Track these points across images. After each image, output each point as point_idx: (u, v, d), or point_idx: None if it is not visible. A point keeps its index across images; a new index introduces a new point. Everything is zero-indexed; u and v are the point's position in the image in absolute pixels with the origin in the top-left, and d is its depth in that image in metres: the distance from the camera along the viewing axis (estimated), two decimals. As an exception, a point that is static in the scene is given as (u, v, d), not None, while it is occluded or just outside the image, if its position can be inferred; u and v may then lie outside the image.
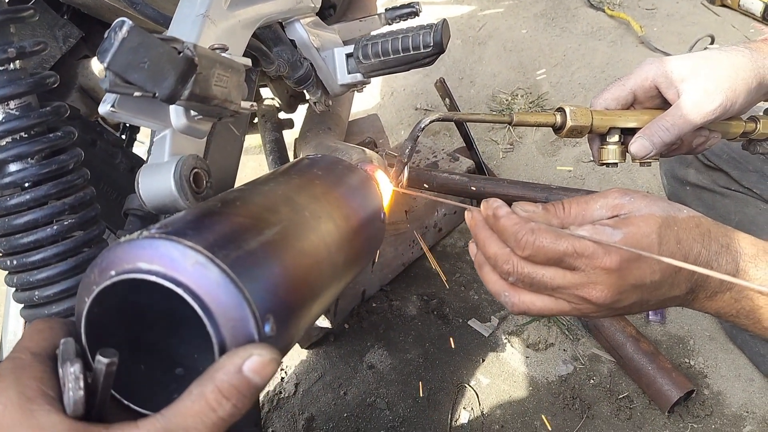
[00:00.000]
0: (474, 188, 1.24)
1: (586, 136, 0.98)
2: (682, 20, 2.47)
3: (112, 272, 0.49)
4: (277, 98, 1.54)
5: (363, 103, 2.39)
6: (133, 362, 0.54)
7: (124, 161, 0.99)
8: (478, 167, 1.81)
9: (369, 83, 1.30)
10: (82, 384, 0.46)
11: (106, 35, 0.56)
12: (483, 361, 1.56)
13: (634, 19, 2.43)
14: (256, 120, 1.65)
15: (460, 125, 1.82)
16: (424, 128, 0.94)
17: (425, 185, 1.33)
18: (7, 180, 0.61)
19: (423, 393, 1.50)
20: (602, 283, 0.65)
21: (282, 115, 1.65)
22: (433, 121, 0.95)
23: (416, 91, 2.35)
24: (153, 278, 0.48)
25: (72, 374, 0.46)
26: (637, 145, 0.93)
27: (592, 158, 1.86)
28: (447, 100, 1.81)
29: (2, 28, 0.61)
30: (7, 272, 0.65)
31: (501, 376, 1.52)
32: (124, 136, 1.39)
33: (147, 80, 0.58)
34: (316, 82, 1.24)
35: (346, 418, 1.49)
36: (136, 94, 0.59)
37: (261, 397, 1.56)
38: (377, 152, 1.39)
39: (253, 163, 2.27)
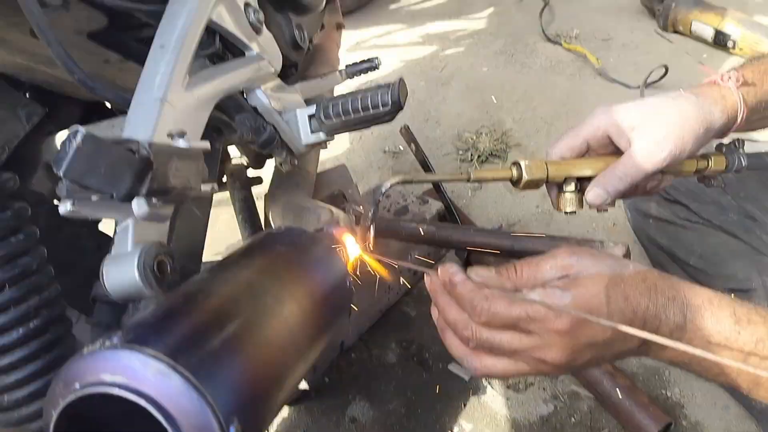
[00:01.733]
0: (441, 237, 1.26)
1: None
2: (637, 49, 2.55)
3: (77, 385, 0.49)
4: (244, 156, 1.56)
5: (332, 148, 2.42)
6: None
7: (90, 241, 0.99)
8: (447, 209, 1.83)
9: (333, 139, 1.32)
10: None
11: (60, 145, 0.58)
12: (464, 405, 1.56)
13: (591, 50, 2.50)
14: (225, 179, 1.66)
15: (427, 167, 1.85)
16: (384, 192, 0.96)
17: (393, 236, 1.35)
18: (-32, 288, 0.61)
19: (407, 442, 1.50)
20: (556, 344, 0.68)
21: (250, 172, 1.66)
22: (393, 185, 0.97)
23: (384, 134, 2.39)
24: (116, 391, 0.48)
25: None
26: (592, 194, 0.96)
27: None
28: (412, 145, 1.84)
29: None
30: (-28, 378, 0.65)
31: (483, 421, 1.53)
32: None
33: (104, 183, 0.59)
34: (280, 144, 1.26)
35: (331, 474, 1.48)
36: (94, 197, 0.60)
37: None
38: (344, 208, 1.41)
39: (225, 216, 2.26)
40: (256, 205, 1.64)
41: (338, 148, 2.40)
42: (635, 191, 1.03)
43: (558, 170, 0.98)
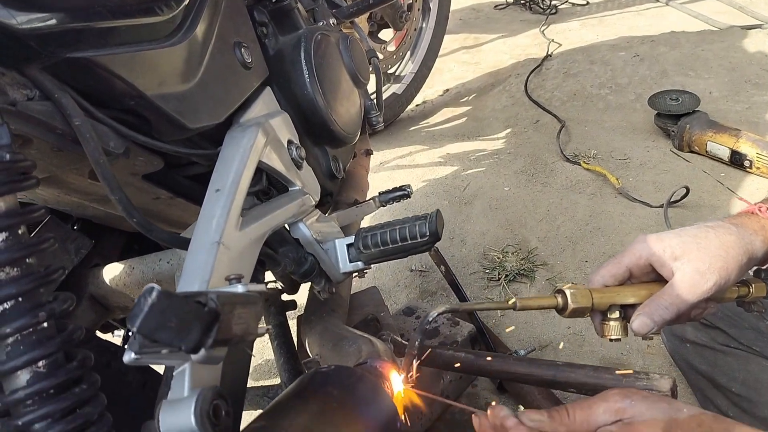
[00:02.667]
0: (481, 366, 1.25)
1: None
2: (655, 168, 2.62)
3: None
4: (279, 281, 1.58)
5: (360, 278, 2.45)
6: None
7: (136, 377, 1.00)
8: (479, 331, 1.83)
9: (370, 268, 1.35)
10: None
11: (136, 301, 0.60)
12: None
13: (609, 170, 2.57)
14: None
15: (457, 289, 1.86)
16: (431, 321, 0.98)
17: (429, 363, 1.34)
18: (32, 442, 0.61)
19: None
20: None
21: (284, 296, 1.68)
22: (441, 314, 0.98)
23: (410, 253, 2.42)
24: None
25: None
26: (638, 323, 0.96)
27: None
28: (442, 267, 1.86)
29: (34, 291, 0.65)
30: None
31: None
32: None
33: (174, 338, 0.61)
34: (320, 273, 1.28)
35: None
36: (164, 351, 0.61)
37: None
38: (381, 336, 1.41)
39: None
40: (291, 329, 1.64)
41: (365, 268, 2.42)
42: (679, 319, 1.03)
43: (602, 298, 0.99)
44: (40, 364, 0.64)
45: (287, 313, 1.63)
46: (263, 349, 2.18)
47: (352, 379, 0.83)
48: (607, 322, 1.02)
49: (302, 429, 0.67)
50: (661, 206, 2.30)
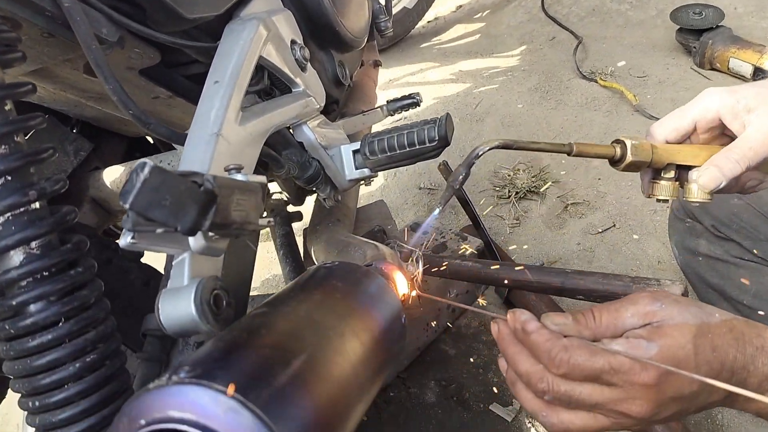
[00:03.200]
0: (486, 275, 1.24)
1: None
2: (674, 86, 2.53)
3: (142, 421, 0.48)
4: (285, 192, 1.56)
5: (367, 186, 2.42)
6: None
7: (139, 276, 0.99)
8: (486, 246, 1.81)
9: (376, 176, 1.32)
10: None
11: (128, 176, 0.57)
12: (508, 448, 1.51)
13: (627, 87, 2.48)
14: (265, 214, 1.66)
15: (465, 203, 1.83)
16: (481, 155, 0.91)
17: (436, 272, 1.33)
18: (29, 321, 0.60)
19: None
20: (641, 398, 0.64)
21: (290, 208, 1.66)
22: (493, 148, 0.91)
23: (419, 171, 2.38)
24: (184, 428, 0.46)
25: None
26: (707, 175, 0.89)
27: (598, 230, 1.86)
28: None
29: (22, 170, 0.62)
30: (29, 413, 0.64)
31: (528, 464, 1.47)
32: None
33: (168, 216, 0.58)
34: (324, 180, 1.26)
35: None
36: (159, 230, 0.59)
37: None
38: (388, 244, 1.39)
39: (260, 252, 2.27)
40: (297, 241, 1.63)
41: (373, 185, 2.39)
42: (734, 187, 0.95)
43: (662, 155, 0.91)
44: (33, 244, 0.62)
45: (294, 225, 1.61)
46: (270, 264, 2.19)
47: (356, 273, 0.81)
48: (658, 181, 0.94)
49: (304, 316, 0.65)
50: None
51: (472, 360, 1.74)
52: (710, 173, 0.88)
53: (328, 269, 0.81)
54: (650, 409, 0.65)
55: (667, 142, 0.93)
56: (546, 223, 2.06)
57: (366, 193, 2.39)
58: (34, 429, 0.64)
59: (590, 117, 2.41)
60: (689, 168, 0.92)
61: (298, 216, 1.65)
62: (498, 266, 1.24)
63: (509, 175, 2.23)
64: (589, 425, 0.67)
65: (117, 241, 1.29)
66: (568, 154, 0.88)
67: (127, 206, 0.57)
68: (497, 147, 0.89)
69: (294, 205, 1.60)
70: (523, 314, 0.70)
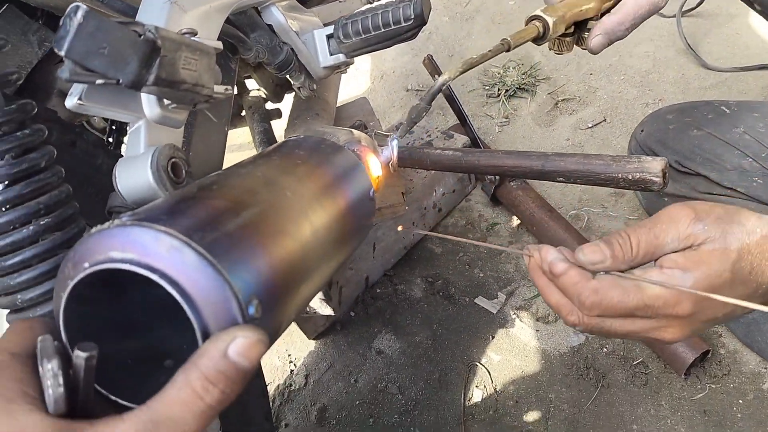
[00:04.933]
0: (467, 162, 1.21)
1: None
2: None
3: (86, 264, 0.47)
4: (262, 88, 1.52)
5: (352, 88, 2.36)
6: (119, 356, 0.52)
7: (106, 161, 0.97)
8: (473, 143, 1.78)
9: (352, 63, 1.27)
10: (61, 381, 0.44)
11: (61, 22, 0.54)
12: (492, 338, 1.54)
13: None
14: (243, 113, 1.63)
15: (452, 101, 1.79)
16: (445, 85, 0.92)
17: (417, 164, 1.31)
18: (-24, 183, 0.59)
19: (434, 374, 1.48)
20: (674, 326, 0.64)
21: (269, 106, 1.62)
22: (453, 78, 0.92)
23: (406, 72, 2.32)
24: (126, 266, 0.45)
25: (50, 371, 0.44)
26: (596, 42, 1.01)
27: (588, 125, 1.84)
28: (436, 76, 1.78)
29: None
30: (-15, 279, 0.63)
31: (512, 352, 1.50)
32: (111, 139, 1.37)
33: (108, 66, 0.56)
34: (298, 67, 1.21)
35: (359, 405, 1.48)
36: (99, 81, 0.57)
37: (271, 391, 1.54)
38: (366, 133, 1.36)
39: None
40: (277, 139, 1.60)
41: (359, 88, 2.34)
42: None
43: (570, 14, 0.98)
44: (-26, 105, 0.59)
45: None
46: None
47: (323, 145, 0.79)
48: (562, 39, 1.04)
49: (260, 176, 0.63)
50: (674, 16, 2.15)
51: (458, 257, 1.75)
52: (599, 40, 1.00)
53: (295, 141, 0.79)
54: (683, 334, 0.64)
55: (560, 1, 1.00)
56: (536, 120, 2.03)
57: (352, 96, 2.34)
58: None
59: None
60: (584, 23, 1.02)
61: (277, 113, 1.61)
62: (479, 154, 1.21)
63: (499, 73, 2.17)
64: (618, 336, 0.68)
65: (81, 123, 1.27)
66: (507, 51, 0.92)
67: (62, 53, 0.54)
68: (458, 75, 0.91)
69: (273, 102, 1.56)
70: (549, 253, 0.66)
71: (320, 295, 1.48)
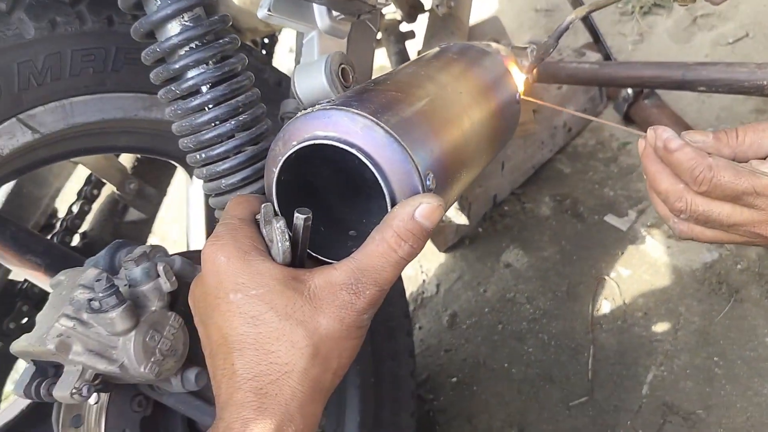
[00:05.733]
0: (605, 75, 1.22)
1: None
2: None
3: (294, 142, 0.57)
4: (398, 10, 1.58)
5: (481, 10, 2.36)
6: (316, 225, 0.62)
7: (271, 76, 1.08)
8: (606, 60, 1.75)
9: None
10: (287, 236, 0.54)
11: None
12: (622, 254, 1.56)
13: None
14: (379, 36, 1.70)
15: (585, 18, 1.76)
16: (568, 27, 0.94)
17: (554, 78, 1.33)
18: (189, 83, 0.70)
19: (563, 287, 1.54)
20: None
21: (403, 27, 1.68)
22: (578, 18, 0.94)
23: (534, -8, 2.29)
24: (329, 142, 0.55)
25: (279, 228, 0.54)
26: None
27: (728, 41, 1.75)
28: (569, -6, 1.75)
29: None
30: (196, 166, 0.75)
31: (642, 267, 1.52)
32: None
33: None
34: (437, -17, 1.26)
35: (488, 313, 1.57)
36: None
37: (407, 296, 1.67)
38: (502, 43, 1.39)
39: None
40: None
41: (488, 8, 2.33)
42: None
43: None
44: (185, 17, 0.70)
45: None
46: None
47: (472, 50, 0.85)
48: None
49: (424, 75, 0.70)
50: None
51: (588, 176, 1.77)
52: None
53: (446, 46, 0.85)
54: None
55: None
56: (672, 37, 1.95)
57: (481, 19, 2.33)
58: (202, 182, 0.77)
59: None
60: None
61: (411, 34, 1.67)
62: (616, 65, 1.22)
63: (634, -13, 2.08)
64: (718, 239, 0.68)
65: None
66: None
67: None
68: (588, 14, 0.96)
69: (407, 22, 1.62)
70: (665, 131, 0.66)
71: (456, 204, 1.56)
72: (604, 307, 1.49)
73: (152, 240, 2.24)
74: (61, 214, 1.17)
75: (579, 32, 2.07)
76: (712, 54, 1.85)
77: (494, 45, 1.19)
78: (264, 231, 0.57)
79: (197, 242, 1.06)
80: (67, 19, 0.79)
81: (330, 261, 0.58)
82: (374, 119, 0.55)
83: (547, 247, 1.64)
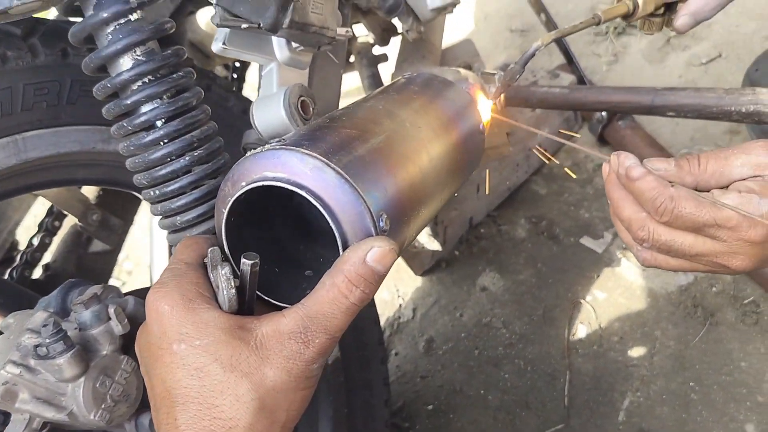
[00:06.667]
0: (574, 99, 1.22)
1: None
2: None
3: (243, 183, 0.55)
4: (370, 33, 1.57)
5: (456, 30, 2.36)
6: (267, 266, 0.61)
7: (236, 104, 1.06)
8: (580, 82, 1.76)
9: (459, 3, 1.29)
10: (233, 283, 0.52)
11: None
12: (598, 276, 1.56)
13: None
14: (352, 59, 1.69)
15: (558, 40, 1.77)
16: (533, 54, 0.96)
17: (524, 101, 1.32)
18: (142, 119, 0.68)
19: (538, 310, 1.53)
20: (744, 253, 0.63)
21: (376, 51, 1.67)
22: (546, 45, 0.96)
23: (510, 12, 2.29)
24: (278, 184, 0.53)
25: (224, 276, 0.52)
26: (681, 22, 0.97)
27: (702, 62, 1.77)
28: (542, 15, 1.76)
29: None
30: (151, 203, 0.73)
31: (617, 290, 1.52)
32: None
33: (251, 12, 0.63)
34: (406, 10, 1.25)
35: (464, 338, 1.55)
36: (243, 26, 0.64)
37: (382, 322, 1.64)
38: (472, 69, 1.39)
39: (353, 106, 2.32)
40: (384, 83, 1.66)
41: (462, 29, 2.34)
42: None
43: None
44: (138, 51, 0.68)
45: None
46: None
47: (435, 81, 0.84)
48: (651, 19, 1.01)
49: (382, 109, 0.69)
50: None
51: (563, 198, 1.76)
52: (685, 20, 0.96)
53: (408, 78, 0.84)
54: (752, 264, 0.63)
55: None
56: (646, 58, 1.96)
57: (456, 39, 2.34)
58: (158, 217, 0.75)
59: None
60: (674, 4, 0.99)
61: (384, 57, 1.66)
62: (586, 90, 1.22)
63: (606, 10, 2.10)
64: (682, 268, 0.68)
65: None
66: (597, 25, 0.95)
67: (214, 1, 0.62)
68: (551, 42, 0.96)
69: (380, 45, 1.61)
70: (627, 158, 0.65)
71: (427, 230, 1.55)
72: (580, 331, 1.47)
73: (125, 265, 2.21)
74: (23, 246, 1.14)
75: (554, 53, 2.08)
76: (685, 74, 1.86)
77: (462, 72, 1.19)
78: (211, 276, 0.55)
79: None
80: (19, 53, 0.77)
81: (282, 305, 0.56)
82: (324, 159, 0.53)
83: (523, 270, 1.63)
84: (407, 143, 0.65)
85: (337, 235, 0.53)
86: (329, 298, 0.51)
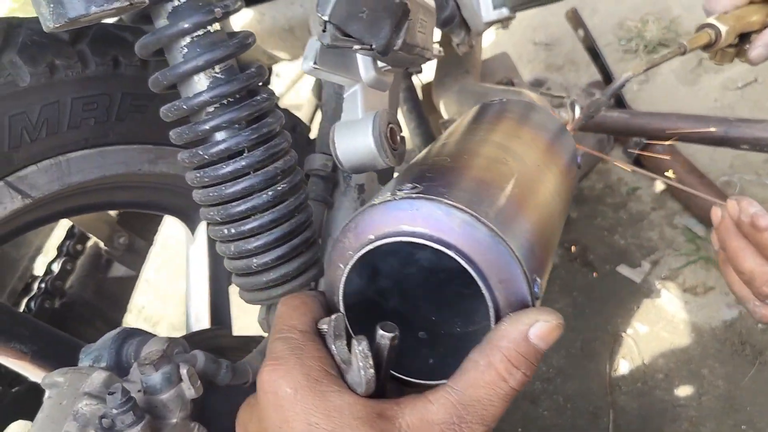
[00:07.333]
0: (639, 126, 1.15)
1: None
2: None
3: (371, 236, 0.46)
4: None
5: (504, 29, 2.29)
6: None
7: (287, 120, 0.97)
8: (617, 101, 1.69)
9: (514, 18, 1.22)
10: (371, 362, 0.43)
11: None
12: (638, 308, 1.48)
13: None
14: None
15: (597, 57, 1.70)
16: (623, 84, 0.92)
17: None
18: (222, 147, 0.59)
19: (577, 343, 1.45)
20: None
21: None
22: (631, 78, 0.92)
23: (533, 24, 2.22)
24: (420, 241, 0.44)
25: (361, 353, 0.43)
26: (756, 53, 0.94)
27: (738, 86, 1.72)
28: (580, 30, 1.69)
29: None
30: (220, 240, 0.64)
31: (659, 324, 1.45)
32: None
33: (365, 31, 0.54)
34: (460, 22, 1.17)
35: (498, 370, 1.47)
36: (356, 47, 0.55)
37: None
38: (538, 92, 1.31)
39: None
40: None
41: (484, 41, 2.26)
42: None
43: (736, 25, 0.93)
44: (217, 69, 0.59)
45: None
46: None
47: (532, 111, 0.76)
48: (726, 50, 0.98)
49: (498, 144, 0.60)
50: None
51: (596, 222, 1.69)
52: (760, 52, 0.94)
53: (501, 105, 0.75)
54: None
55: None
56: (679, 78, 1.90)
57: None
58: (224, 258, 0.65)
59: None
60: (748, 35, 0.96)
61: (419, 70, 1.58)
62: (649, 116, 1.15)
63: (636, 27, 2.04)
64: None
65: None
66: (682, 54, 0.92)
67: (325, 17, 0.53)
68: (642, 72, 0.93)
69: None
70: (751, 205, 0.61)
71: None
72: (622, 366, 1.40)
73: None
74: (39, 271, 1.03)
75: (581, 70, 2.02)
76: (721, 99, 1.81)
77: (524, 93, 1.11)
78: (333, 347, 0.46)
79: (199, 311, 0.93)
80: (68, 62, 0.67)
81: (411, 380, 0.47)
82: (474, 214, 0.44)
83: (558, 299, 1.55)
84: (537, 186, 0.57)
85: (489, 303, 0.44)
86: (485, 381, 0.42)
